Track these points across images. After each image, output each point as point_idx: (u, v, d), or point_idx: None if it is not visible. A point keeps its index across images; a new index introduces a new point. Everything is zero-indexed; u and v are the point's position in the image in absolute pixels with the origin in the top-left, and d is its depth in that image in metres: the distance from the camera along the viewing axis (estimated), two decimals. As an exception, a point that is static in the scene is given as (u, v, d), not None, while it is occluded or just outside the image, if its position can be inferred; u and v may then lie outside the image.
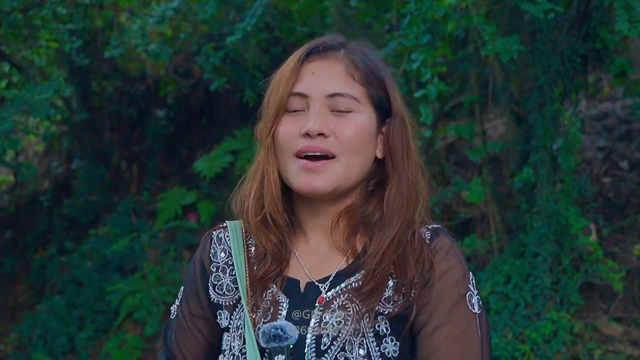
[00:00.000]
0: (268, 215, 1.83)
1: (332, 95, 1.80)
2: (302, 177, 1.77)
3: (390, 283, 1.79)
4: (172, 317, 2.02)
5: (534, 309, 4.86)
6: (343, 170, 1.79)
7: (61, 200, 8.78)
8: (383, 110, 1.86)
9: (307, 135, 1.77)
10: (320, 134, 1.77)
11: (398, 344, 1.76)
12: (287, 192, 1.88)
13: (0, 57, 7.53)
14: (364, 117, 1.81)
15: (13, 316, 7.56)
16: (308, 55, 1.84)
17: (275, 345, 1.73)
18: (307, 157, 1.78)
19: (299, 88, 1.81)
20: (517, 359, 4.70)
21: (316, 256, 1.86)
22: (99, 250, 7.50)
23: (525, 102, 5.35)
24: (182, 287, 2.01)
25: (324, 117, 1.78)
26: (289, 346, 1.74)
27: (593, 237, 5.19)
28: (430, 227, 1.85)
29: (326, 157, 1.77)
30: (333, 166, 1.78)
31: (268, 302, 1.82)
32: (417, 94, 4.52)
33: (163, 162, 8.75)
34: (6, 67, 8.14)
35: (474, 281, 1.84)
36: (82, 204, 8.46)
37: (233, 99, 7.83)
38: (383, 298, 1.77)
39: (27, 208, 8.89)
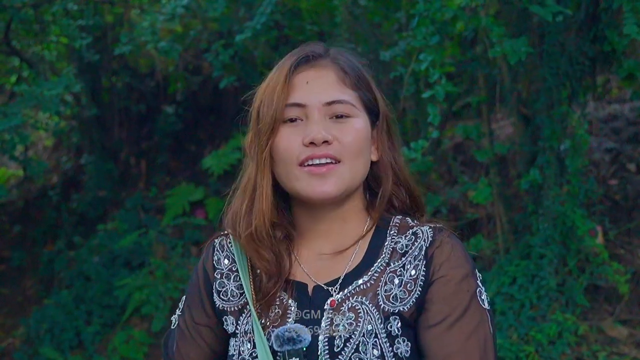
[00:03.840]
0: (254, 230, 1.83)
1: (329, 103, 1.82)
2: (311, 184, 1.79)
3: (396, 281, 1.81)
4: (172, 327, 2.02)
5: (539, 310, 4.87)
6: (349, 174, 1.81)
7: (70, 195, 8.81)
8: (373, 113, 1.90)
9: (312, 144, 1.78)
10: (325, 142, 1.78)
11: (410, 344, 1.78)
12: (284, 201, 1.90)
13: (10, 52, 7.56)
14: (361, 122, 1.84)
15: (21, 310, 7.60)
16: (297, 66, 1.85)
17: (289, 348, 1.76)
18: (310, 165, 1.79)
19: (295, 98, 1.82)
20: (522, 360, 4.72)
21: (320, 261, 1.88)
22: (107, 246, 7.53)
23: (533, 104, 5.35)
24: (184, 297, 2.02)
25: (326, 125, 1.80)
26: (303, 349, 1.77)
27: (599, 239, 5.19)
28: (432, 226, 1.87)
29: (331, 162, 1.79)
30: (339, 170, 1.79)
31: (276, 306, 1.84)
32: (425, 95, 4.53)
33: (172, 159, 8.78)
34: (17, 62, 8.18)
35: (480, 277, 1.85)
36: (90, 199, 8.49)
37: (242, 96, 7.85)
38: (391, 297, 1.79)
39: (35, 202, 8.93)
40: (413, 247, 1.83)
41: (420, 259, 1.81)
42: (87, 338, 6.75)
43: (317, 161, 1.78)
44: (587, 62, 4.85)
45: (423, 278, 1.79)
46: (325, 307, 1.82)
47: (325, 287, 1.84)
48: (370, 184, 1.92)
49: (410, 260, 1.82)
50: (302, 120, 1.82)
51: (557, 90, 4.90)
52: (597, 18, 4.73)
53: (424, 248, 1.82)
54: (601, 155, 6.21)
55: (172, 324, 2.03)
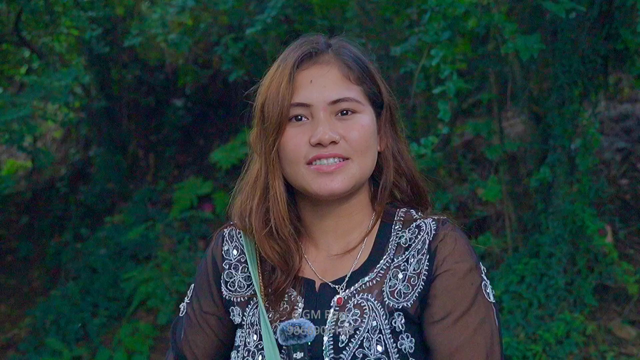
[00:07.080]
0: (274, 230, 1.83)
1: (335, 102, 1.80)
2: (319, 181, 1.78)
3: (400, 275, 1.80)
4: (180, 315, 2.02)
5: (547, 309, 4.84)
6: (358, 170, 1.80)
7: (78, 187, 8.82)
8: (378, 104, 1.88)
9: (318, 144, 1.77)
10: (332, 142, 1.77)
11: (414, 340, 1.77)
12: (292, 199, 1.89)
13: (21, 43, 7.56)
14: (366, 117, 1.83)
15: (27, 301, 7.61)
16: (300, 63, 1.83)
17: (294, 342, 1.76)
18: (318, 165, 1.78)
19: (300, 98, 1.80)
20: (529, 359, 4.69)
21: (327, 259, 1.87)
22: (113, 238, 7.54)
23: (544, 102, 5.32)
24: (192, 285, 2.01)
25: (332, 124, 1.79)
26: (308, 343, 1.77)
27: (609, 238, 5.16)
28: (435, 218, 1.85)
29: (340, 160, 1.78)
30: (348, 167, 1.79)
31: (285, 302, 1.84)
32: (436, 91, 4.51)
33: (180, 152, 8.78)
34: (26, 53, 8.19)
35: (485, 271, 1.83)
36: (98, 191, 8.50)
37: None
38: (395, 292, 1.79)
39: (43, 194, 8.94)
40: (416, 241, 1.82)
41: (424, 252, 1.79)
42: (93, 330, 6.75)
43: (324, 161, 1.77)
44: (600, 60, 4.82)
45: (426, 272, 1.78)
46: (331, 305, 1.82)
47: (332, 285, 1.84)
48: (375, 175, 1.91)
49: (413, 254, 1.81)
50: (307, 118, 1.80)
51: (568, 89, 4.87)
52: (611, 16, 4.69)
53: (427, 241, 1.80)
54: (612, 154, 6.18)
55: (180, 312, 2.02)
